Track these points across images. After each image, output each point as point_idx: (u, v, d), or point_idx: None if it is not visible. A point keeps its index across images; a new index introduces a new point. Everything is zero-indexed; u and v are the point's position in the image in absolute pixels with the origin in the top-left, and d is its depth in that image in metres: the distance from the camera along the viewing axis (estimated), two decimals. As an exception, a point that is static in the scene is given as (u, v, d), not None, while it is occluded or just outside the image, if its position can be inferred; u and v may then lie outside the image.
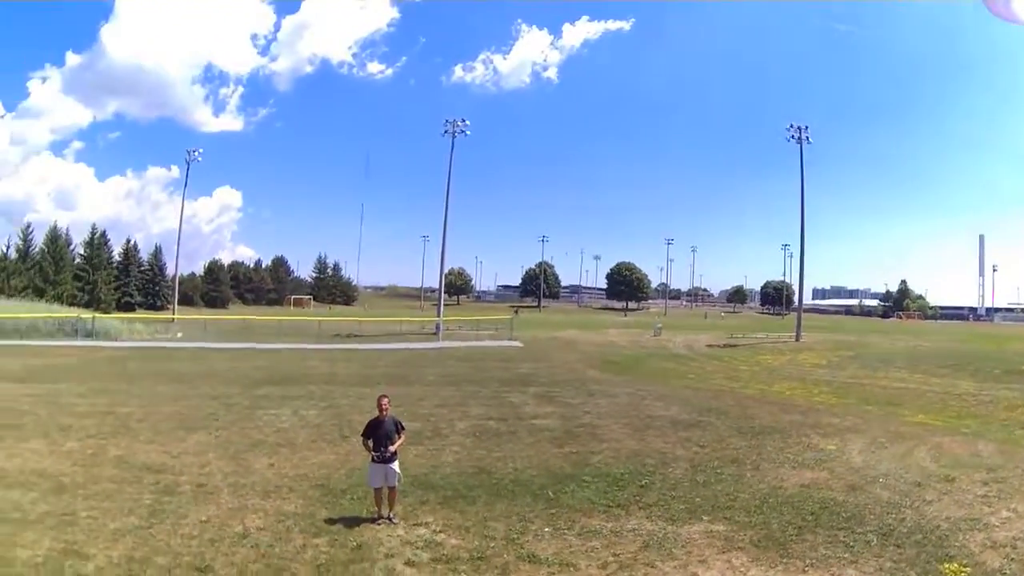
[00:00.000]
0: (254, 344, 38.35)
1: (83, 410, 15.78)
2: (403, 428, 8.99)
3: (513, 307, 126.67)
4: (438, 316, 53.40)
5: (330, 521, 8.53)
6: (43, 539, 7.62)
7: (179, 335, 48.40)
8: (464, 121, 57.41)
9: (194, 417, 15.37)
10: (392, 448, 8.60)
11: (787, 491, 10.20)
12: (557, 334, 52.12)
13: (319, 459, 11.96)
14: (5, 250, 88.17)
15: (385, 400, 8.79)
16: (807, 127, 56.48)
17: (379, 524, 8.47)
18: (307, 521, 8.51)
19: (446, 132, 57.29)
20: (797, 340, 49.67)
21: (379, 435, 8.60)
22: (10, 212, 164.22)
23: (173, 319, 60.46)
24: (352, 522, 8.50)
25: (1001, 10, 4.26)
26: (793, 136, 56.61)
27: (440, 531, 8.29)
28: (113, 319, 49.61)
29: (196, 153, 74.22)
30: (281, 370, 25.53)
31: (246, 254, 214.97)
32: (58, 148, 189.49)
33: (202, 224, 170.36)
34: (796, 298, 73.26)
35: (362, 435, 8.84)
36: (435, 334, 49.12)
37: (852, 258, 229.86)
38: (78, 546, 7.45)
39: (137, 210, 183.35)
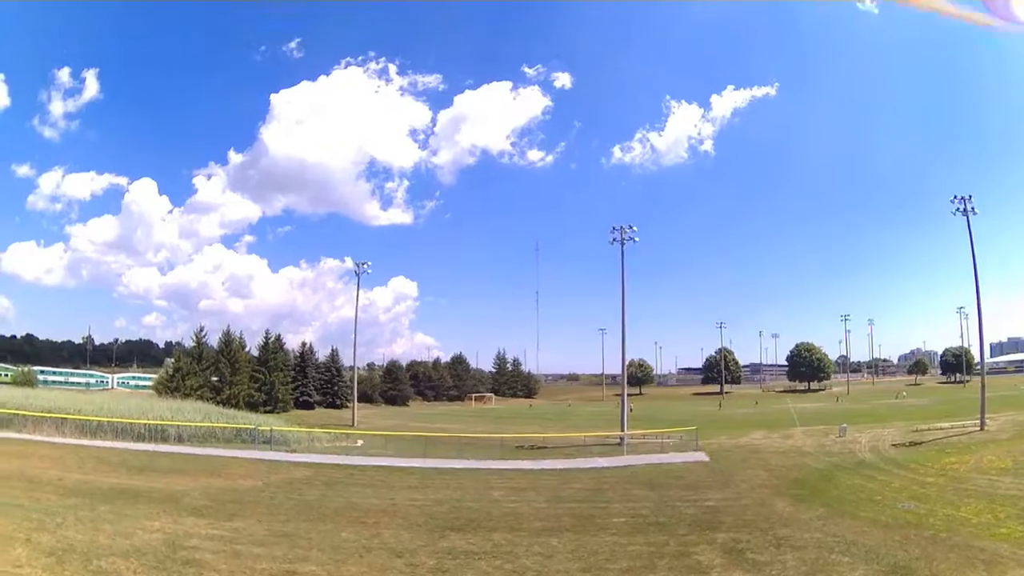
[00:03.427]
0: (436, 461, 39.24)
1: (265, 567, 16.25)
2: None
3: (698, 394, 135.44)
4: (622, 430, 54.18)
5: None
6: None
7: (359, 443, 51.04)
8: (631, 227, 60.06)
9: (378, 583, 15.35)
10: None
11: None
12: (742, 439, 53.04)
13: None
14: (177, 340, 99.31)
15: None
16: (971, 196, 57.75)
17: None
18: None
19: (614, 240, 59.98)
20: (981, 428, 50.18)
21: None
22: (185, 298, 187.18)
23: (353, 425, 64.75)
24: None
25: (1001, 11, 4.53)
26: (959, 208, 58.42)
27: None
28: (292, 430, 52.97)
29: (365, 265, 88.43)
30: (464, 505, 25.45)
31: (425, 342, 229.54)
32: (229, 241, 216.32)
33: (379, 313, 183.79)
34: (977, 373, 76.92)
35: None
36: (619, 445, 50.32)
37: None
38: None
39: (312, 298, 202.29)
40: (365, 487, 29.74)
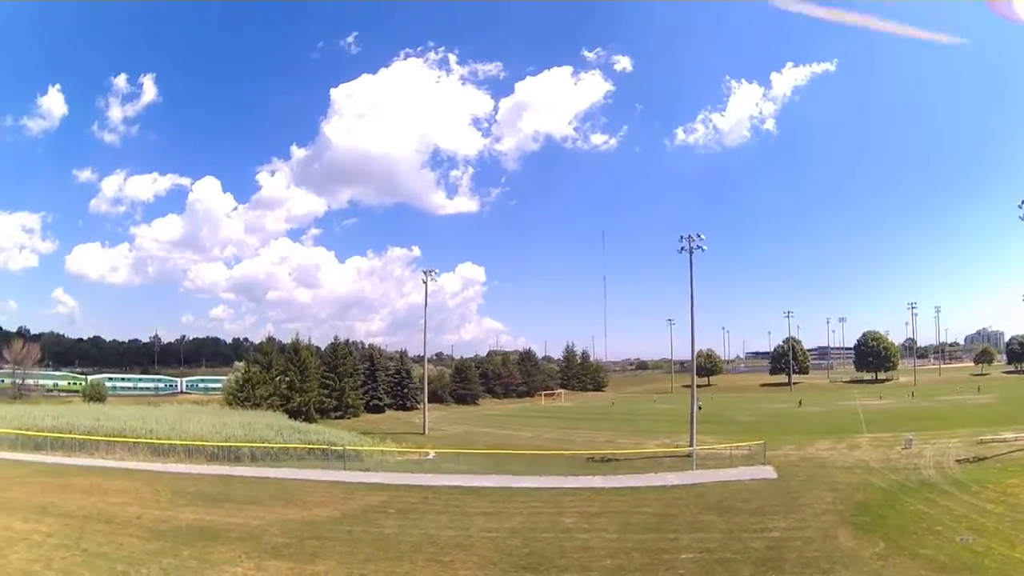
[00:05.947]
0: (508, 479, 40.08)
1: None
2: None
3: (767, 385, 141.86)
4: (691, 444, 54.77)
5: None
6: None
7: (431, 455, 52.35)
8: (700, 236, 60.27)
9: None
10: None
11: None
12: (809, 450, 54.17)
13: None
14: (245, 336, 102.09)
15: None
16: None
17: None
18: None
19: (682, 249, 60.23)
20: None
21: None
22: (252, 289, 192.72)
23: (424, 432, 66.96)
24: None
25: (1003, 9, 4.89)
26: None
27: None
28: (364, 449, 54.66)
29: (432, 272, 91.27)
30: (537, 536, 26.00)
31: (493, 327, 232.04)
32: (295, 235, 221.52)
33: (447, 298, 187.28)
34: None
35: None
36: (688, 457, 51.07)
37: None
38: None
39: (380, 286, 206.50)
40: (440, 514, 30.58)
